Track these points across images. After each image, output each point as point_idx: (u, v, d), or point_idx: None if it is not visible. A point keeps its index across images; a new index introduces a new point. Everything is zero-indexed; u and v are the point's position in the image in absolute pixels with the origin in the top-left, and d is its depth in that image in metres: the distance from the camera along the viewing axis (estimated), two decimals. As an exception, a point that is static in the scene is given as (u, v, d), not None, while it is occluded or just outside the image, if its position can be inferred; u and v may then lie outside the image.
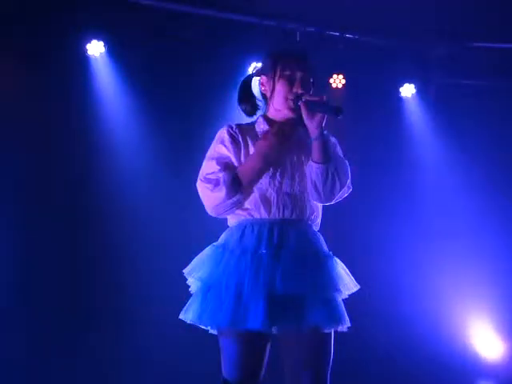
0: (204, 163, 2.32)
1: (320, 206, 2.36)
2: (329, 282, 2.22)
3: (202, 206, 2.33)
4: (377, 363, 4.44)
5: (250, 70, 4.50)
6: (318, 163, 2.24)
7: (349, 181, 2.32)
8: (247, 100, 2.39)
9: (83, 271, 4.31)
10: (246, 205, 2.26)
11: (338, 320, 2.21)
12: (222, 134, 2.33)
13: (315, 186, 2.26)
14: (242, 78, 2.43)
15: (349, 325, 2.25)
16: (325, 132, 2.27)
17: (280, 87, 2.29)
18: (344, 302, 2.29)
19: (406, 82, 4.98)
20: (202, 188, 2.27)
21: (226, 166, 2.26)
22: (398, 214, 4.83)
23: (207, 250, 2.30)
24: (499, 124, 4.89)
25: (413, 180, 4.97)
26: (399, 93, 5.01)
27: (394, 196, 4.83)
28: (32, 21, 4.09)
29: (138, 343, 4.23)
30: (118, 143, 4.46)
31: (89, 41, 4.31)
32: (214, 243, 2.32)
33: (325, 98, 2.24)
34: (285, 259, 2.20)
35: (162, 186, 4.42)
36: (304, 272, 2.20)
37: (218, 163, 2.27)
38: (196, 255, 2.32)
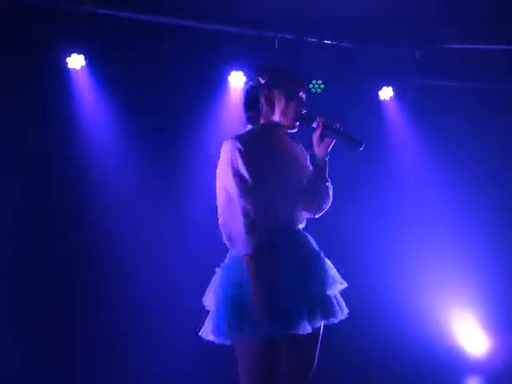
0: (222, 191, 2.36)
1: None
2: (329, 280, 2.37)
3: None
4: (362, 361, 4.49)
5: (231, 78, 4.55)
6: (319, 182, 2.41)
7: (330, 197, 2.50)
8: (253, 108, 2.46)
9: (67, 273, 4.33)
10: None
11: (337, 313, 2.36)
12: (230, 153, 2.34)
13: (309, 203, 2.42)
14: (249, 86, 2.48)
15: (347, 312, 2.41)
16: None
17: (293, 107, 2.41)
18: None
19: (384, 86, 5.05)
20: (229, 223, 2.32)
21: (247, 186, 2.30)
22: (381, 214, 4.90)
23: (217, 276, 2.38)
24: (475, 123, 4.97)
25: (394, 181, 5.03)
26: (378, 96, 5.08)
27: (377, 197, 4.90)
28: (12, 34, 4.09)
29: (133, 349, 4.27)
30: (99, 155, 4.46)
31: (69, 54, 4.32)
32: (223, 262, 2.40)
33: (340, 126, 2.40)
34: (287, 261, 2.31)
35: (145, 195, 4.45)
36: (305, 274, 2.32)
37: (243, 194, 2.30)
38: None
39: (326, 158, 2.42)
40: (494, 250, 4.88)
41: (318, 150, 2.41)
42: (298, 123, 2.42)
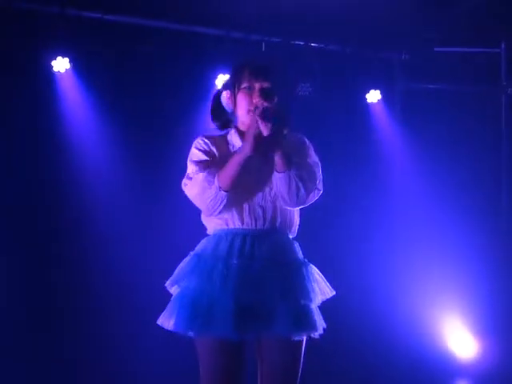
0: (188, 169, 2.35)
1: (296, 212, 2.38)
2: (300, 291, 2.27)
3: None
4: (351, 364, 4.48)
5: (218, 82, 4.54)
6: (279, 172, 2.27)
7: (317, 185, 2.34)
8: (219, 116, 2.42)
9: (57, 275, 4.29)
10: (224, 214, 2.30)
11: (309, 327, 2.25)
12: (197, 144, 2.36)
13: (281, 194, 2.29)
14: (213, 95, 2.45)
15: (321, 332, 2.28)
16: (300, 136, 2.34)
17: (240, 101, 2.33)
18: (319, 306, 2.33)
19: (372, 89, 5.05)
20: (188, 189, 2.31)
21: (207, 165, 2.29)
22: (368, 217, 4.89)
23: (186, 259, 2.34)
24: (464, 128, 4.97)
25: (382, 183, 5.03)
26: (365, 99, 5.08)
27: (364, 199, 4.88)
28: (-4, 37, 4.07)
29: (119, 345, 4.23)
30: (86, 158, 4.43)
31: (54, 57, 4.28)
32: (192, 252, 2.36)
33: (267, 105, 2.24)
34: (255, 269, 2.24)
35: (133, 197, 4.42)
36: (274, 281, 2.24)
37: (197, 164, 2.31)
38: (173, 261, 2.36)
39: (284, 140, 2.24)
40: (481, 254, 4.87)
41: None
42: (252, 116, 2.25)
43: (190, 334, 2.25)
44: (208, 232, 2.39)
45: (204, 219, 2.39)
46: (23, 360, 4.06)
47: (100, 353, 4.21)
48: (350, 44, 4.87)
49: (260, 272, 2.23)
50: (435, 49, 4.99)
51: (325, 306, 2.38)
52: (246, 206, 2.29)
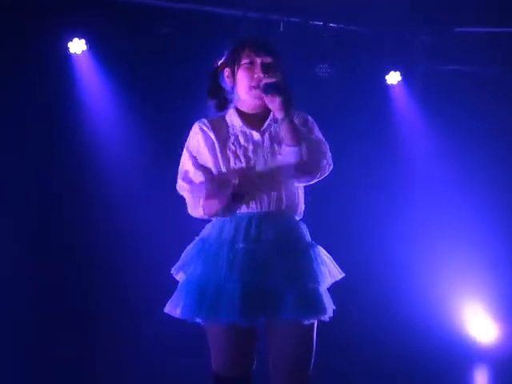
0: (181, 164, 2.31)
1: (301, 193, 2.32)
2: (308, 274, 2.21)
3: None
4: (370, 349, 4.45)
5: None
6: (289, 146, 2.21)
7: (328, 159, 2.29)
8: (217, 94, 2.34)
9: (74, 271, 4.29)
10: None
11: (318, 311, 2.20)
12: (195, 131, 2.30)
13: (290, 169, 2.23)
14: (209, 73, 2.37)
15: (331, 315, 2.23)
16: (298, 113, 2.26)
17: (241, 77, 2.26)
18: (332, 290, 2.28)
19: (392, 70, 4.97)
20: (182, 189, 2.29)
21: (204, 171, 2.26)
22: (389, 201, 4.83)
23: (191, 245, 2.30)
24: (486, 110, 4.88)
25: (402, 168, 4.97)
26: (385, 80, 5.00)
27: (385, 183, 4.83)
28: (12, 21, 4.04)
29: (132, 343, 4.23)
30: (104, 140, 4.44)
31: (70, 39, 4.28)
32: (197, 237, 2.32)
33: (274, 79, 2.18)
34: (261, 253, 2.19)
35: (150, 181, 4.40)
36: (281, 265, 2.19)
37: (196, 168, 2.27)
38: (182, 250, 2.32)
39: (289, 118, 2.18)
40: (502, 238, 4.80)
41: (274, 111, 2.20)
42: (254, 92, 2.22)
43: (198, 320, 2.21)
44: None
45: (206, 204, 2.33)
46: (27, 360, 4.06)
47: (104, 352, 4.20)
48: (369, 25, 4.79)
49: (267, 255, 2.18)
50: (456, 29, 4.88)
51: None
52: (249, 190, 2.23)
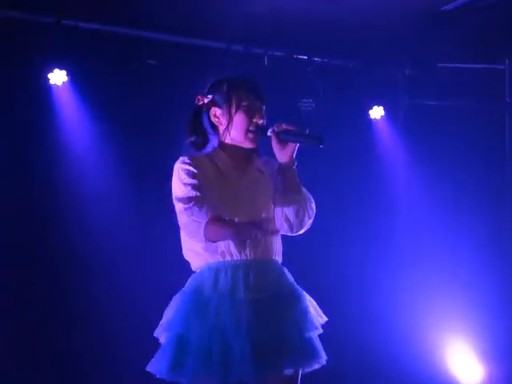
0: (179, 190, 2.21)
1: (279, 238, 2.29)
2: (304, 323, 2.16)
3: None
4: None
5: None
6: (290, 194, 2.18)
7: (314, 211, 2.26)
8: (199, 132, 2.27)
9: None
10: (219, 246, 2.16)
11: (317, 358, 2.17)
12: (180, 166, 2.22)
13: (287, 218, 2.20)
14: (193, 110, 2.31)
15: (326, 358, 2.21)
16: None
17: (239, 120, 2.21)
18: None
19: (375, 105, 5.00)
20: (189, 214, 2.15)
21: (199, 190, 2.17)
22: (371, 236, 4.81)
23: (178, 299, 2.18)
24: (466, 142, 4.92)
25: (384, 199, 4.97)
26: (368, 115, 5.03)
27: (368, 215, 4.82)
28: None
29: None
30: (82, 172, 4.35)
31: (51, 70, 4.20)
32: (184, 289, 2.20)
33: (296, 127, 2.18)
34: (264, 303, 2.12)
35: (129, 209, 4.35)
36: (280, 316, 2.13)
37: (192, 187, 2.18)
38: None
39: (293, 167, 2.18)
40: (489, 273, 4.77)
41: (281, 158, 2.17)
42: (251, 136, 2.20)
43: (205, 381, 2.09)
44: (194, 267, 2.23)
45: (189, 255, 2.23)
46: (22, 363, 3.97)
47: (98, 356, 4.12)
48: (353, 59, 4.83)
49: (268, 306, 2.12)
50: (439, 64, 4.94)
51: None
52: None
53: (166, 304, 2.23)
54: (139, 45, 4.27)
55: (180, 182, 2.20)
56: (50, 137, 4.26)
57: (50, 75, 4.21)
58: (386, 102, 4.99)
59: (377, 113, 5.01)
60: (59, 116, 4.30)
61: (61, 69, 4.20)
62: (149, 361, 2.19)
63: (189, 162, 2.20)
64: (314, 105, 4.74)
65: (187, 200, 2.15)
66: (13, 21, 3.97)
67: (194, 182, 2.18)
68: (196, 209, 2.12)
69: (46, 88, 4.23)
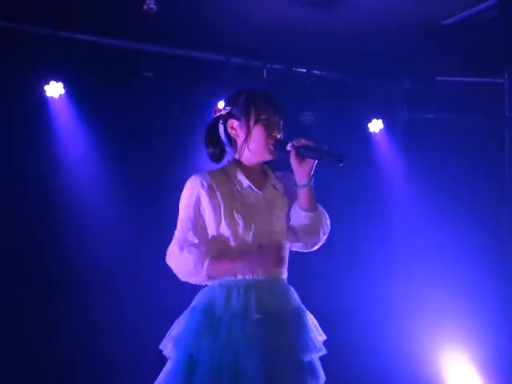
0: (179, 223, 2.18)
1: None
2: (313, 344, 2.15)
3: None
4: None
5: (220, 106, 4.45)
6: (307, 211, 2.16)
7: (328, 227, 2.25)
8: (216, 144, 2.25)
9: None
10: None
11: (321, 380, 2.16)
12: (196, 188, 2.18)
13: (300, 235, 2.19)
14: (210, 121, 2.29)
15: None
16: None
17: (258, 133, 2.19)
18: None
19: (374, 118, 5.00)
20: (177, 253, 2.14)
21: (203, 236, 2.15)
22: (371, 249, 4.80)
23: (188, 315, 2.14)
24: (464, 154, 4.91)
25: (383, 212, 4.97)
26: (367, 128, 5.03)
27: (366, 229, 4.81)
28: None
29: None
30: (78, 184, 4.33)
31: (47, 82, 4.17)
32: (195, 305, 2.16)
33: (316, 144, 2.17)
34: (276, 323, 2.09)
35: (125, 220, 4.33)
36: (292, 336, 2.10)
37: (194, 232, 2.15)
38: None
39: (311, 183, 2.17)
40: (486, 281, 4.73)
41: (299, 174, 2.15)
42: (271, 149, 2.18)
43: None
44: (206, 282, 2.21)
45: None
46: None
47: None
48: (352, 73, 4.82)
49: (278, 327, 2.08)
50: (438, 78, 4.95)
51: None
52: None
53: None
54: (136, 57, 4.25)
55: (182, 207, 2.20)
56: (46, 149, 4.23)
57: (46, 87, 4.18)
58: (385, 116, 5.00)
59: (376, 126, 5.01)
60: (55, 128, 4.27)
61: (57, 81, 4.18)
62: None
63: (202, 182, 2.17)
64: (313, 117, 4.73)
65: (182, 241, 2.15)
66: (10, 32, 3.95)
67: (195, 217, 2.16)
68: (191, 257, 2.12)
69: (43, 100, 4.20)
